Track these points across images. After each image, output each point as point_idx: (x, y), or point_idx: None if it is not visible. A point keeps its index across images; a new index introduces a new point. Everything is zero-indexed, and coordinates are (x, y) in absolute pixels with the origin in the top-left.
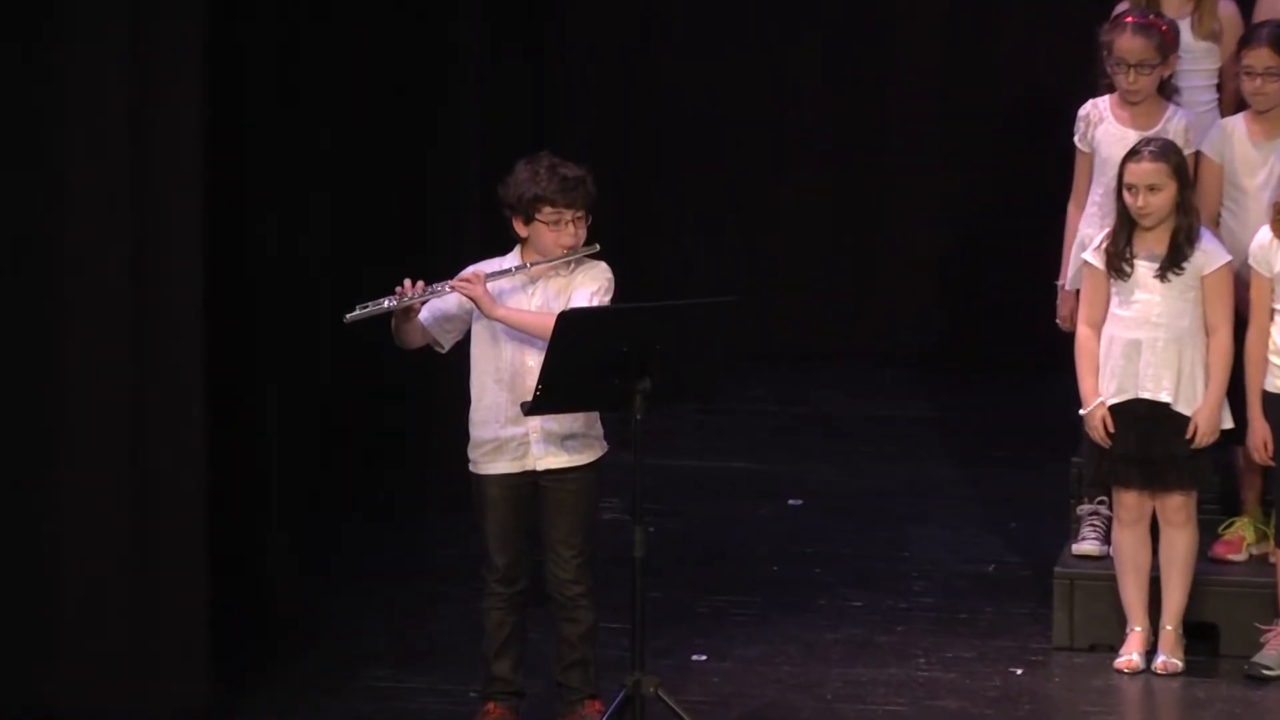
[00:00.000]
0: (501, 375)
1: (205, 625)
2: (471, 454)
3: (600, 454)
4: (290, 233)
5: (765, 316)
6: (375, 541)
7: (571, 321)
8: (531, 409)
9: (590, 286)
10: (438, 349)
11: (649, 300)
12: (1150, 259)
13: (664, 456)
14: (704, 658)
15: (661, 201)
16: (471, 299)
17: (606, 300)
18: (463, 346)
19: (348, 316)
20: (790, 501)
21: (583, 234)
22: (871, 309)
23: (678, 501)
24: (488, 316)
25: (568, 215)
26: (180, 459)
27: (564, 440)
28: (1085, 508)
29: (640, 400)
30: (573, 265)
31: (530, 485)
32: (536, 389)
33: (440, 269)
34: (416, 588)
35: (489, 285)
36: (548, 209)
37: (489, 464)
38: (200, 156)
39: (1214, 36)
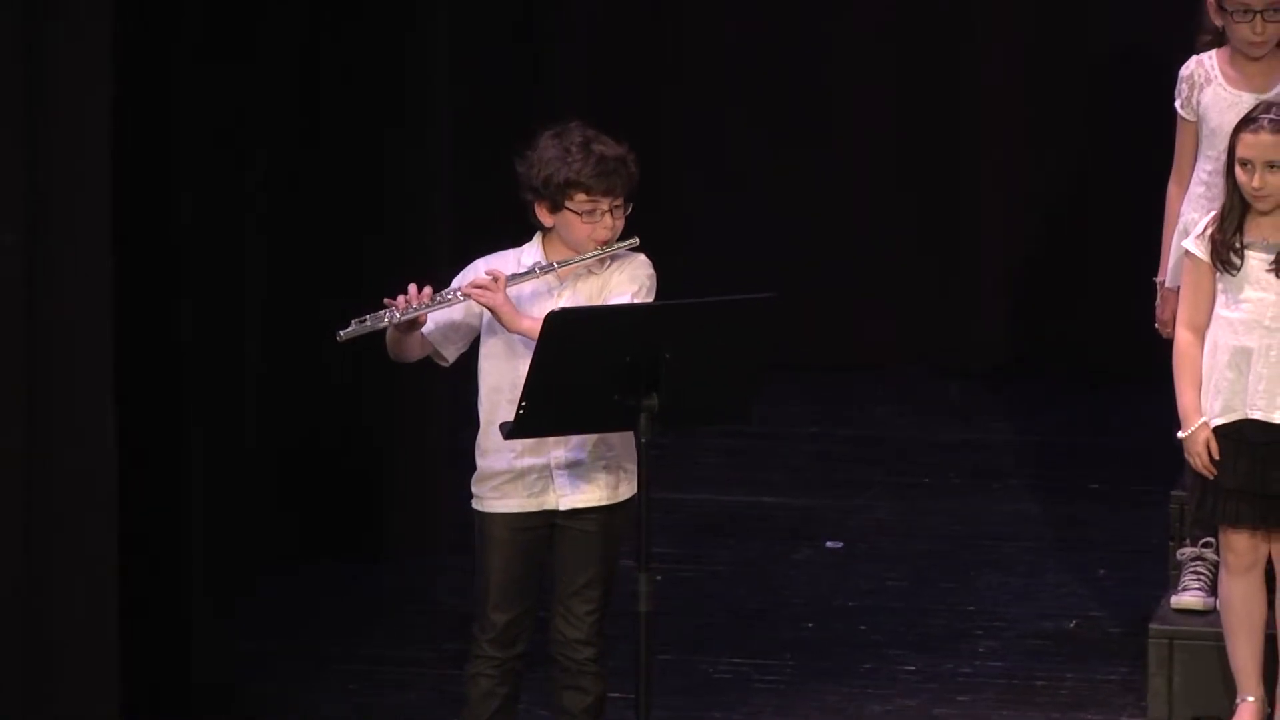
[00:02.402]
0: (518, 395)
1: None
2: (476, 488)
3: (636, 490)
4: (220, 219)
5: (805, 319)
6: (328, 589)
7: (561, 323)
8: (513, 431)
9: (630, 287)
10: (440, 362)
11: (661, 298)
12: (1265, 249)
13: (678, 489)
14: None
15: (676, 180)
16: (490, 309)
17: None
18: (467, 359)
19: (341, 334)
20: (828, 544)
21: (620, 225)
22: (935, 311)
23: (694, 544)
24: (509, 329)
25: (604, 204)
26: (83, 496)
27: (595, 473)
28: (1188, 551)
29: (646, 421)
30: (607, 262)
31: (546, 528)
32: (519, 406)
33: (404, 266)
34: (378, 648)
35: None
36: (581, 196)
37: (498, 501)
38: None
39: None
